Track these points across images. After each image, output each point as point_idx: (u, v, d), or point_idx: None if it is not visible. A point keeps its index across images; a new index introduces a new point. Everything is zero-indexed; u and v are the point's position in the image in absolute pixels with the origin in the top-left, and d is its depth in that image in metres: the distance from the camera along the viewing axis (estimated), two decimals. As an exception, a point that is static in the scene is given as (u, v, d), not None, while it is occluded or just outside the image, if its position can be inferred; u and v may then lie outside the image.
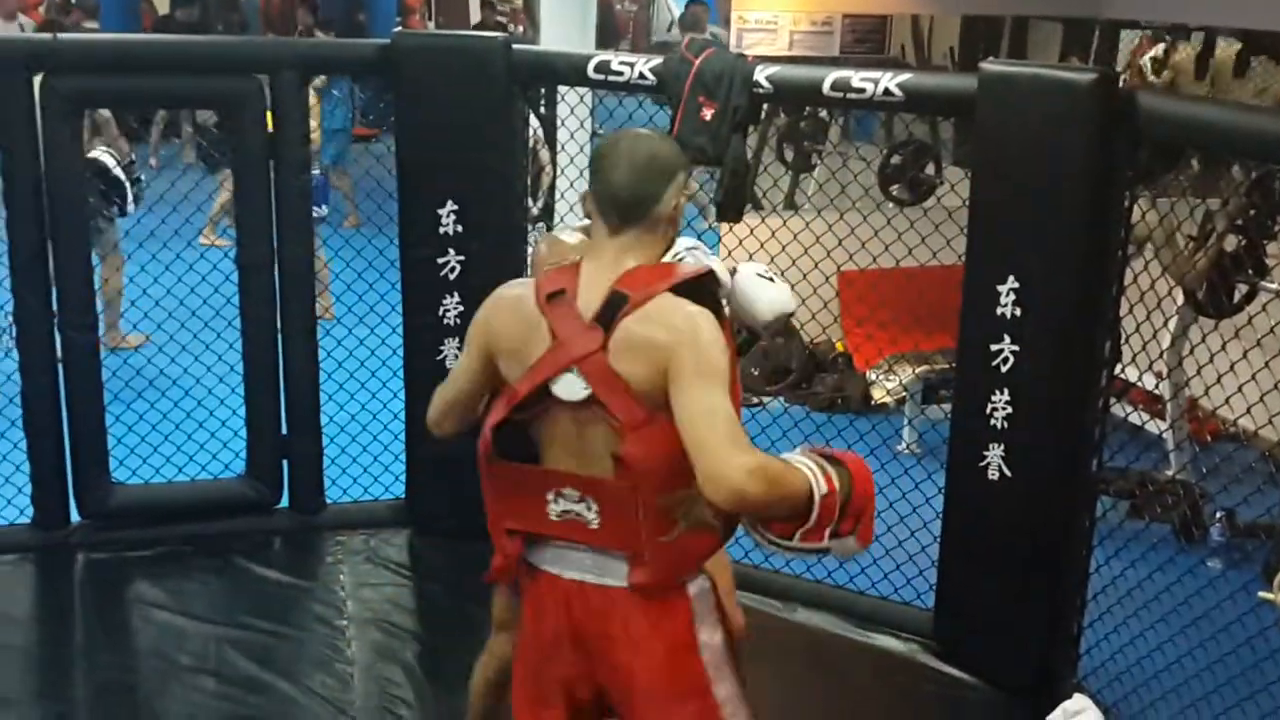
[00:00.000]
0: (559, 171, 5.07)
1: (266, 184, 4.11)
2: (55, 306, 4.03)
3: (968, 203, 3.50)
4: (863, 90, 3.53)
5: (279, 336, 4.20)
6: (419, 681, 3.54)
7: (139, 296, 4.45)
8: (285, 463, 4.34)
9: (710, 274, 2.26)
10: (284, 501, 4.38)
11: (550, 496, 2.17)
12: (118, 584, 4.02)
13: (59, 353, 4.08)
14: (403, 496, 4.47)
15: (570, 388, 2.10)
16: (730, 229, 4.68)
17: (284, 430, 4.30)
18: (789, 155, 7.18)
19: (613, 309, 2.09)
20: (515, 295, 2.23)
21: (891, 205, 5.96)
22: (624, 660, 2.18)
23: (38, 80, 3.90)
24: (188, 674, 3.53)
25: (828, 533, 2.09)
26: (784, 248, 4.39)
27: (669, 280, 2.12)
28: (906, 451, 5.48)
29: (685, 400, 2.00)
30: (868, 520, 2.17)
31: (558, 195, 5.01)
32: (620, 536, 2.14)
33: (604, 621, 2.18)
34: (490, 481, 2.26)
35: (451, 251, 4.08)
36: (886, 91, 3.50)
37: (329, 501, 4.47)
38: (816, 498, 2.05)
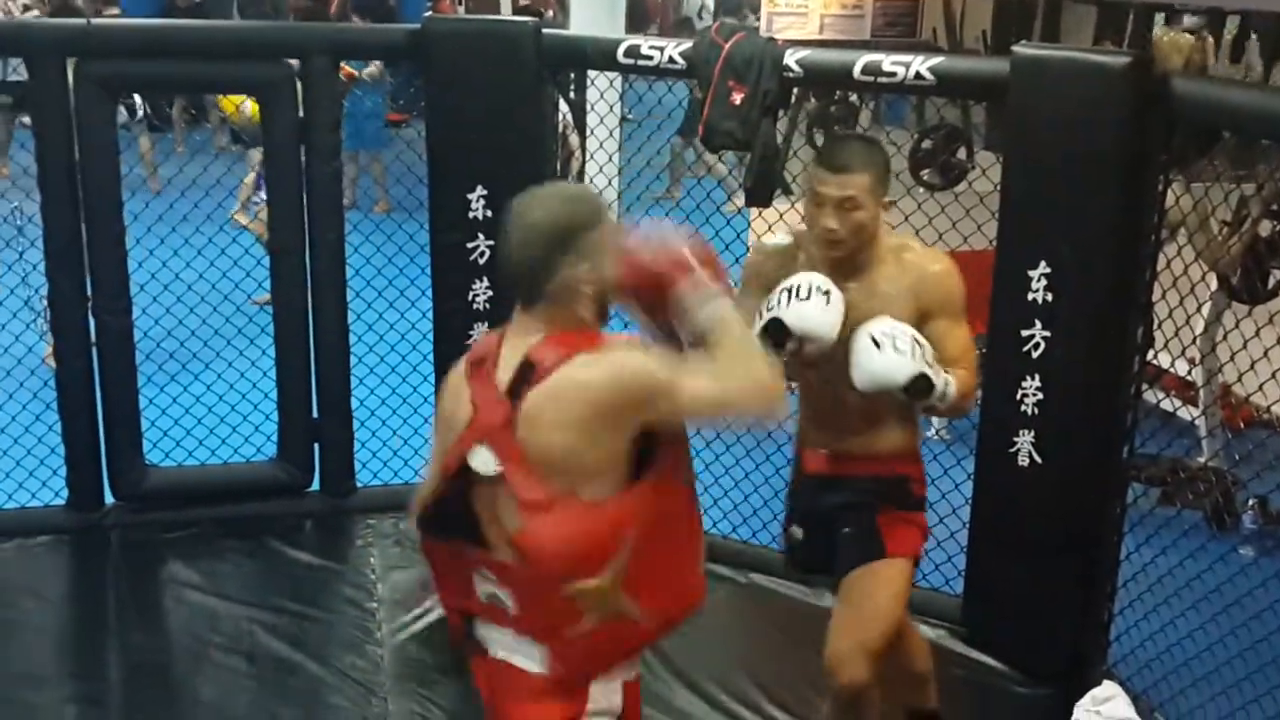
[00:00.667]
0: (588, 156, 5.07)
1: (298, 169, 4.13)
2: (89, 290, 4.06)
3: (999, 187, 3.48)
4: (894, 74, 3.51)
5: (310, 321, 4.23)
6: (448, 664, 3.56)
7: (171, 281, 4.48)
8: (316, 446, 4.37)
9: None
10: (315, 485, 4.41)
11: (476, 577, 2.09)
12: (151, 565, 4.06)
13: (93, 336, 4.12)
14: (432, 480, 4.48)
15: (484, 462, 2.00)
16: (759, 214, 4.67)
17: (315, 414, 4.33)
18: (819, 140, 7.15)
19: (521, 379, 1.98)
20: (455, 368, 2.15)
21: (922, 190, 5.94)
22: None
23: (71, 65, 3.93)
24: (220, 655, 3.56)
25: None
26: (814, 233, 4.37)
27: (581, 346, 1.98)
28: (935, 438, 5.45)
29: (676, 411, 2.00)
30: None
31: (587, 180, 5.01)
32: (532, 624, 2.04)
33: (504, 694, 2.12)
34: (431, 558, 2.20)
35: (481, 236, 4.09)
36: (918, 75, 3.48)
37: (359, 485, 4.50)
38: (716, 289, 2.08)
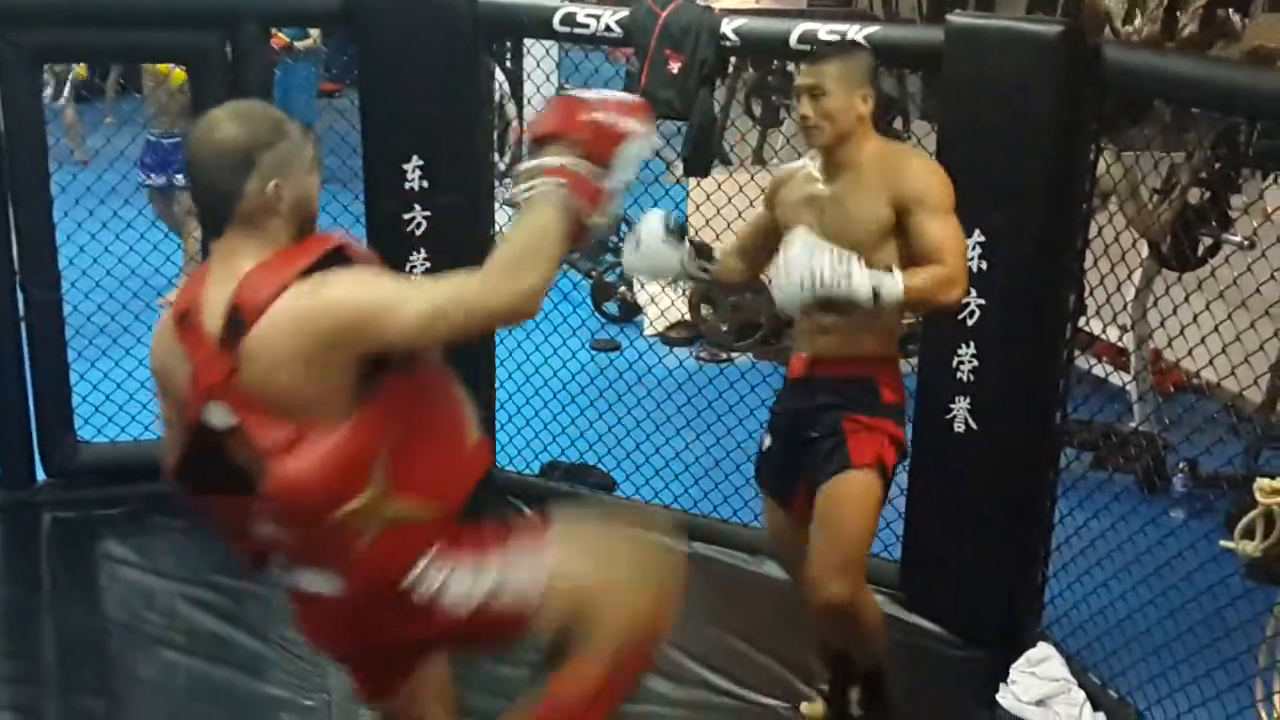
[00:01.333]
0: (525, 126, 5.04)
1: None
2: (16, 264, 3.98)
3: (934, 156, 3.50)
4: (830, 43, 3.51)
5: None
6: (389, 637, 3.55)
7: (101, 254, 4.40)
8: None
9: (338, 249, 2.01)
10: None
11: (249, 523, 2.04)
12: (84, 542, 4.01)
13: (21, 311, 4.03)
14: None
15: (220, 417, 1.96)
16: (698, 184, 4.66)
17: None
18: (757, 109, 7.16)
19: (233, 327, 1.92)
20: (162, 321, 2.08)
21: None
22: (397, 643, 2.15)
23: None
24: (157, 631, 3.52)
25: (599, 179, 1.99)
26: (751, 203, 4.37)
27: (286, 276, 1.91)
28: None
29: (411, 331, 1.90)
30: (595, 137, 2.00)
31: (524, 150, 4.98)
32: (319, 554, 2.02)
33: (351, 620, 2.12)
34: (198, 509, 2.15)
35: (418, 207, 4.05)
36: (852, 44, 3.48)
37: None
38: (555, 190, 1.95)
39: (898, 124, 6.22)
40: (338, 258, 1.97)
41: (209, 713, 3.18)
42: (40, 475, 4.20)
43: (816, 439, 2.86)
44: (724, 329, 6.24)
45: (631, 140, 2.00)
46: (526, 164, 1.98)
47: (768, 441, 3.04)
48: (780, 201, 2.97)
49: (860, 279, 2.60)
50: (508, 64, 6.07)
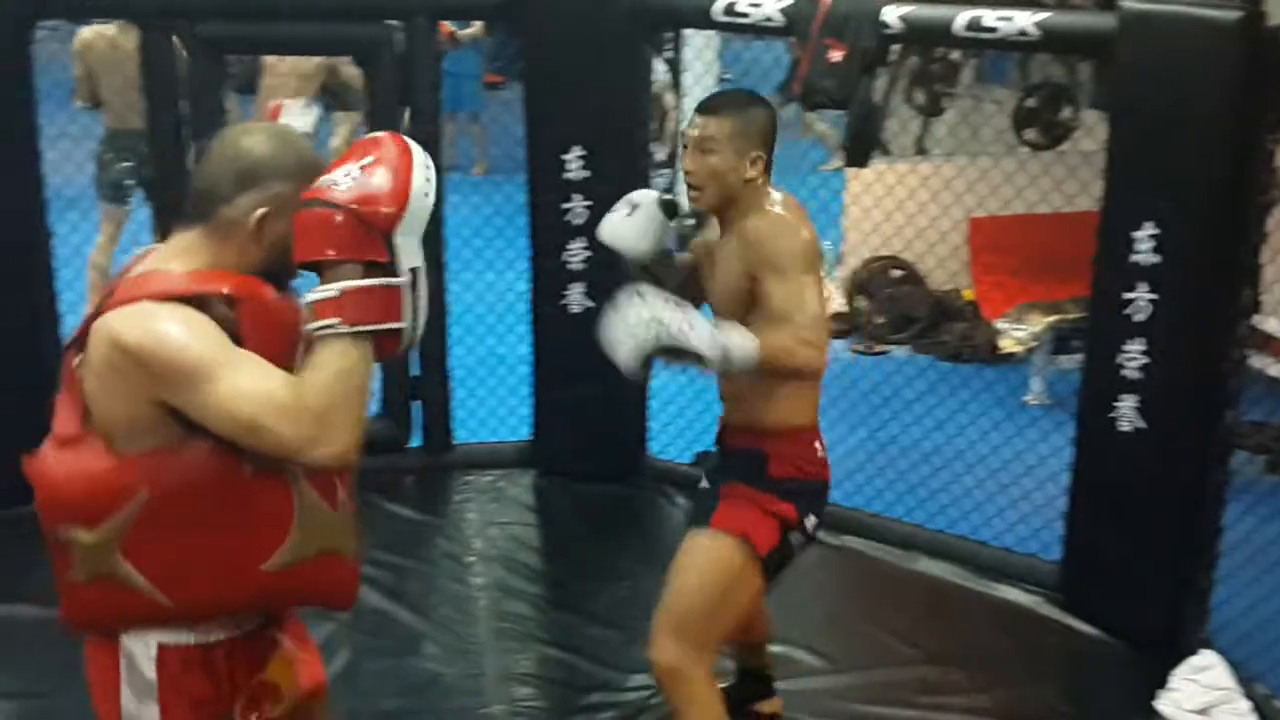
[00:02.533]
0: (684, 117, 5.06)
1: (398, 132, 4.18)
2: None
3: (1105, 147, 3.40)
4: (997, 30, 3.45)
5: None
6: (541, 618, 3.63)
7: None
8: (416, 404, 4.45)
9: (227, 296, 1.81)
10: (415, 441, 4.50)
11: None
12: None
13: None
14: (528, 439, 4.55)
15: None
16: (856, 174, 4.63)
17: (415, 372, 4.41)
18: (919, 98, 7.04)
19: (100, 306, 1.82)
20: None
21: (1025, 150, 5.83)
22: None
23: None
24: (323, 604, 3.66)
25: (389, 285, 1.75)
26: (911, 193, 4.33)
27: (158, 288, 1.78)
28: (1034, 402, 5.38)
29: (206, 415, 1.73)
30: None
31: (682, 142, 5.00)
32: (53, 564, 1.89)
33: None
34: None
35: (577, 197, 4.11)
36: (1022, 31, 3.41)
37: (458, 442, 4.58)
38: (341, 330, 1.72)
39: (1067, 113, 6.04)
40: (222, 303, 1.80)
41: (370, 686, 3.29)
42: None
43: (698, 496, 2.75)
44: (880, 321, 6.18)
45: (403, 212, 1.75)
46: (306, 299, 1.76)
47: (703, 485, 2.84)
48: (705, 237, 2.76)
49: (702, 334, 2.39)
50: (668, 54, 6.11)
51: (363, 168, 1.76)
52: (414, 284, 1.78)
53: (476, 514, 4.22)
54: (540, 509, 4.28)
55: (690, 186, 2.59)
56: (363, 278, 1.73)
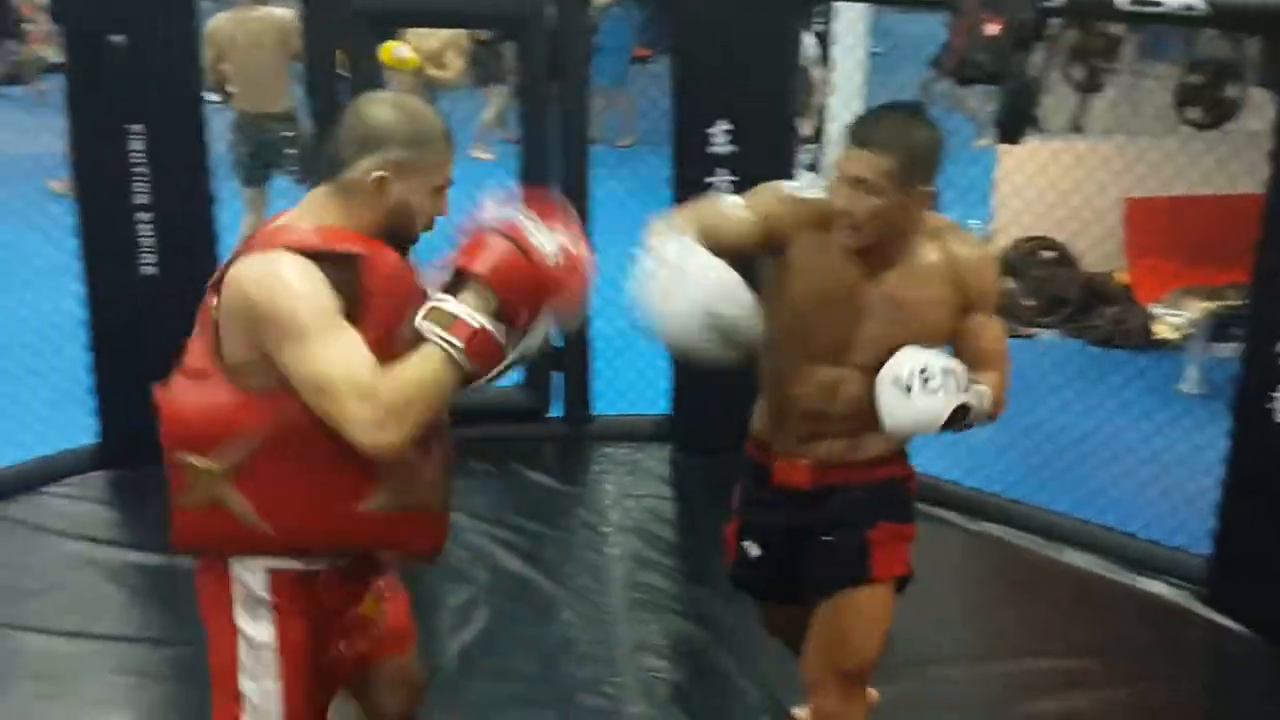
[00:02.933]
0: (833, 92, 5.00)
1: (547, 104, 4.23)
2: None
3: (1273, 126, 3.26)
4: (1162, 5, 3.32)
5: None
6: (677, 589, 3.65)
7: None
8: (557, 375, 4.51)
9: (354, 256, 1.90)
10: (555, 411, 4.56)
11: None
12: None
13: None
14: (666, 413, 4.58)
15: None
16: (1009, 151, 4.52)
17: (557, 344, 4.47)
18: (1077, 74, 6.84)
19: (230, 264, 1.94)
20: None
21: (1187, 129, 5.62)
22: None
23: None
24: (464, 566, 3.75)
25: (506, 347, 1.89)
26: (1066, 171, 4.22)
27: (291, 239, 1.90)
28: (1188, 391, 5.20)
29: (291, 370, 1.85)
30: (538, 291, 1.90)
31: (829, 117, 4.95)
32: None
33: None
34: None
35: (722, 170, 4.11)
36: (1189, 6, 3.28)
37: (597, 414, 4.63)
38: (454, 352, 1.84)
39: (1232, 91, 5.80)
40: (347, 261, 1.89)
41: (508, 649, 3.37)
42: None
43: (833, 545, 2.46)
44: (1028, 303, 6.03)
45: (559, 302, 1.90)
46: (433, 301, 1.88)
47: (755, 552, 2.60)
48: (794, 241, 2.35)
49: (974, 391, 2.24)
50: (817, 27, 6.04)
51: (571, 248, 1.92)
52: (509, 362, 1.92)
53: (613, 485, 4.27)
54: (676, 482, 4.31)
55: (842, 228, 2.26)
56: (494, 319, 1.86)
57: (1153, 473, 4.11)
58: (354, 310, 1.87)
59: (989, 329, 2.38)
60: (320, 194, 1.98)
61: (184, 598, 2.22)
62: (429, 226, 2.01)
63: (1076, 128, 6.77)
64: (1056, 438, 4.31)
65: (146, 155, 3.92)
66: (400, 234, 1.98)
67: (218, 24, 5.65)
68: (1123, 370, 4.57)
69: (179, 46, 3.97)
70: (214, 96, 5.57)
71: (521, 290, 1.88)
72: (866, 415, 2.31)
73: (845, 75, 4.58)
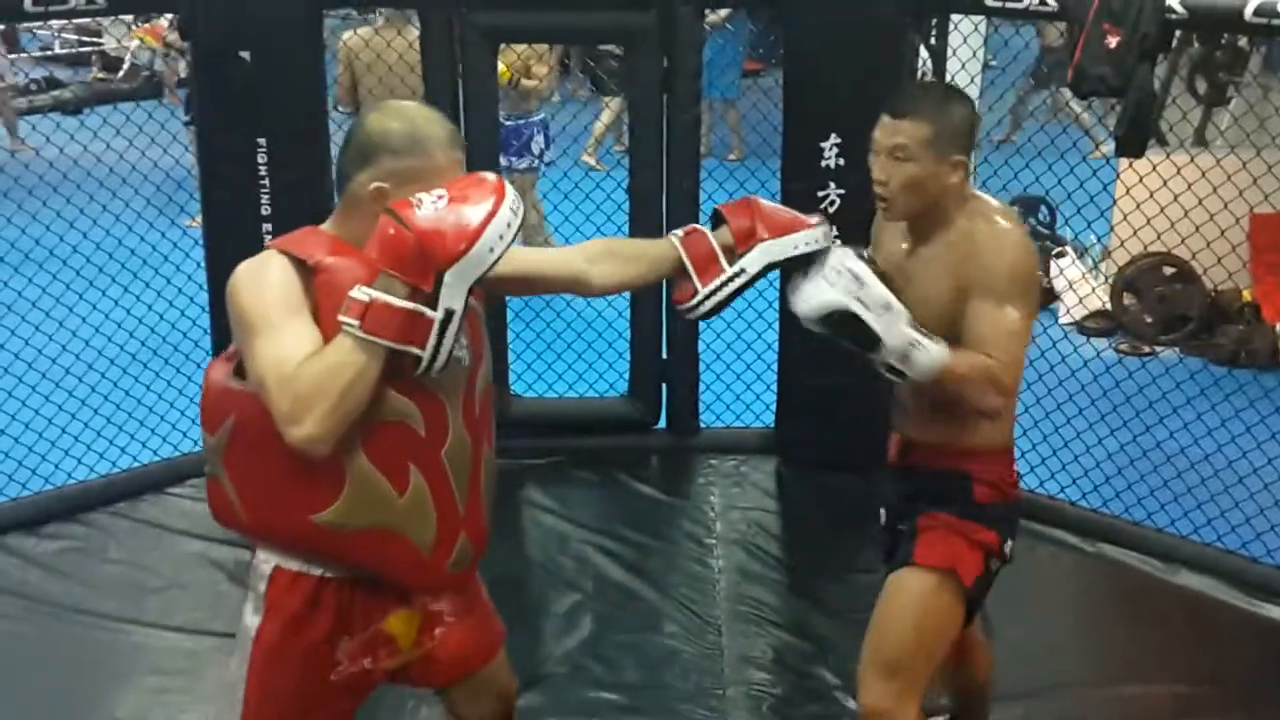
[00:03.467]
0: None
1: (659, 116, 4.26)
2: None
3: None
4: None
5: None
6: (780, 602, 3.64)
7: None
8: (664, 385, 4.53)
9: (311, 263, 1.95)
10: (662, 422, 4.58)
11: None
12: (512, 488, 4.34)
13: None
14: (772, 425, 4.56)
15: None
16: (1130, 165, 4.42)
17: (664, 354, 4.49)
18: (1201, 87, 6.67)
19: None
20: None
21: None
22: None
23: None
24: (569, 575, 3.78)
25: (417, 311, 1.85)
26: (1190, 186, 4.11)
27: (284, 244, 1.98)
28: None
29: (246, 365, 1.93)
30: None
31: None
32: None
33: None
34: None
35: (832, 185, 4.09)
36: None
37: (703, 425, 4.63)
38: (352, 329, 1.84)
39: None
40: (306, 268, 1.95)
41: (613, 658, 3.38)
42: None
43: (902, 532, 2.49)
44: (1148, 320, 5.89)
45: (461, 257, 1.83)
46: (350, 292, 1.88)
47: (882, 517, 2.64)
48: (877, 244, 2.53)
49: (893, 317, 2.19)
50: (932, 40, 5.98)
51: (450, 200, 1.85)
52: (446, 322, 1.86)
53: (719, 497, 4.27)
54: (781, 496, 4.29)
55: (879, 198, 2.36)
56: (406, 299, 1.84)
57: (1278, 496, 3.97)
58: (315, 315, 1.92)
59: (983, 316, 2.27)
60: (336, 209, 2.03)
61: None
62: None
63: (1201, 141, 6.60)
64: (1177, 459, 4.19)
65: (268, 169, 4.04)
66: None
67: (349, 40, 5.79)
68: (1248, 391, 4.42)
69: (304, 62, 4.08)
70: (345, 110, 5.74)
71: (404, 257, 1.83)
72: (925, 396, 2.36)
73: (960, 88, 4.52)
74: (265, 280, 1.93)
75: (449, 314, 1.85)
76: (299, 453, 1.88)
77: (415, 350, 1.86)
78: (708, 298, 2.29)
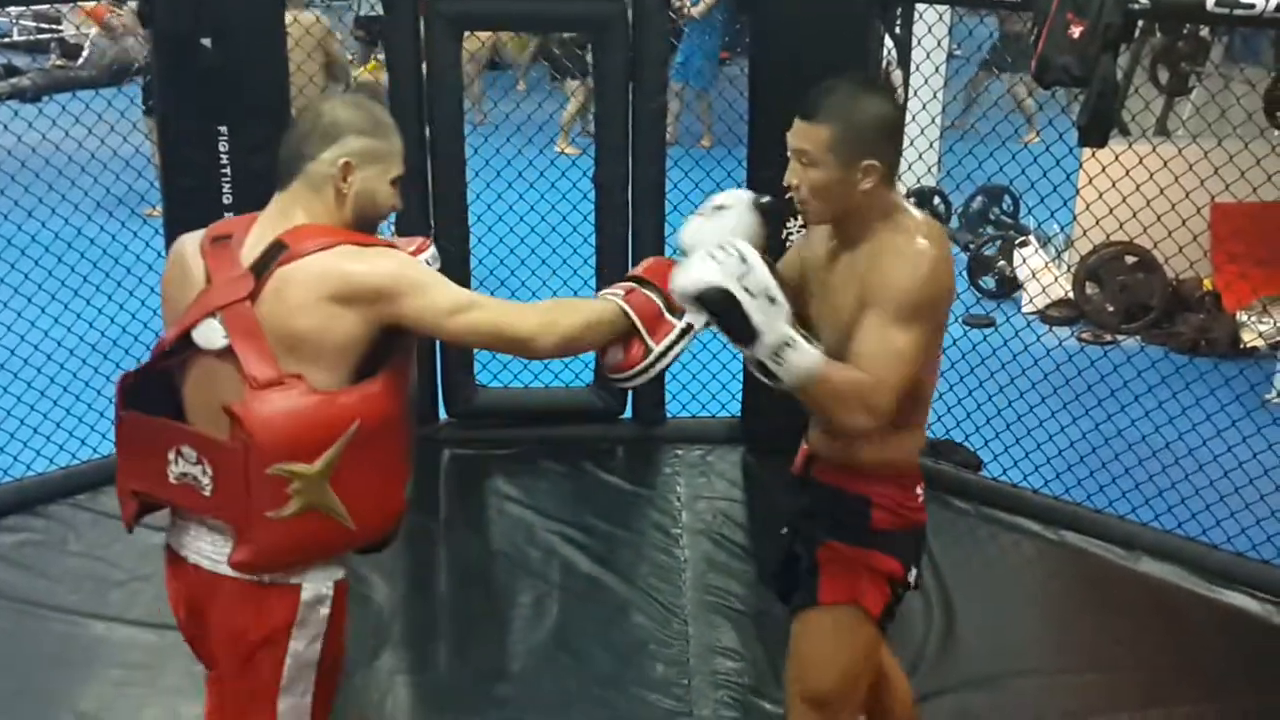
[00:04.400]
0: (912, 94, 4.96)
1: (625, 106, 4.25)
2: (432, 220, 4.33)
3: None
4: (1254, 6, 3.25)
5: (630, 252, 4.36)
6: (746, 591, 3.64)
7: (506, 212, 4.72)
8: (631, 375, 4.52)
9: (388, 245, 2.09)
10: (628, 412, 4.57)
11: (171, 455, 2.03)
12: (477, 478, 4.34)
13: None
14: (739, 415, 4.57)
15: (209, 335, 1.98)
16: (1093, 154, 4.45)
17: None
18: (1163, 77, 6.72)
19: (270, 257, 1.98)
20: (185, 241, 2.12)
21: (1277, 133, 5.49)
22: (216, 647, 2.12)
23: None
24: (536, 566, 3.78)
25: (665, 314, 2.15)
26: (1151, 176, 4.14)
27: (337, 237, 2.01)
28: (1276, 400, 5.08)
29: (418, 317, 2.00)
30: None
31: (909, 118, 4.90)
32: (229, 507, 1.99)
33: (208, 602, 2.08)
34: (119, 434, 2.16)
35: (799, 174, 4.08)
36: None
37: (669, 415, 4.63)
38: (624, 306, 2.14)
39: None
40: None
41: (580, 648, 3.38)
42: (443, 415, 4.57)
43: (801, 563, 2.41)
44: (1110, 309, 5.94)
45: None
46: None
47: (783, 532, 2.55)
48: (807, 244, 2.39)
49: (774, 312, 2.04)
50: (897, 30, 5.99)
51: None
52: (679, 338, 2.17)
53: (685, 487, 4.27)
54: (747, 485, 4.30)
55: (799, 202, 2.22)
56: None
57: (1238, 484, 4.02)
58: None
59: (872, 331, 2.11)
60: (287, 196, 2.05)
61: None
62: (384, 218, 2.13)
63: (1163, 131, 6.65)
64: (1138, 447, 4.23)
65: (230, 157, 3.99)
66: (367, 226, 2.08)
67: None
68: (1208, 379, 4.46)
69: (267, 49, 4.04)
70: None
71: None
72: None
73: (924, 77, 4.55)
74: (387, 256, 2.03)
75: (685, 331, 2.17)
76: (401, 433, 2.04)
77: (648, 340, 2.17)
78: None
